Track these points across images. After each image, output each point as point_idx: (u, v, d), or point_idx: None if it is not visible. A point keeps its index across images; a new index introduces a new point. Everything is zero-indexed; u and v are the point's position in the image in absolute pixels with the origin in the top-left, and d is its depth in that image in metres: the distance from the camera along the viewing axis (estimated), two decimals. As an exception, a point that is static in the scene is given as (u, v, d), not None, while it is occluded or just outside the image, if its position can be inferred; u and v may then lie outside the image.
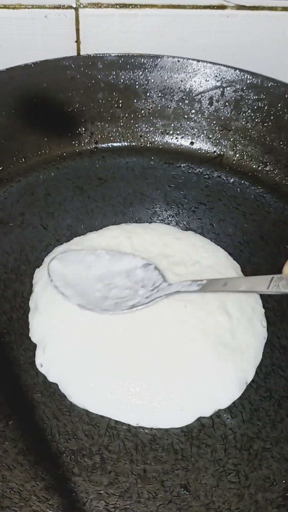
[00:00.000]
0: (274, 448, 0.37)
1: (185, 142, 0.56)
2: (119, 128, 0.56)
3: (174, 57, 0.53)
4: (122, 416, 0.37)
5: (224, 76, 0.53)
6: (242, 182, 0.54)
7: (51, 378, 0.39)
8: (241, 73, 0.53)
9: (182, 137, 0.56)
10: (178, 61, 0.54)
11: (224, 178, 0.54)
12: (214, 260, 0.45)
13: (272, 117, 0.53)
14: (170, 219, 0.50)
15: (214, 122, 0.55)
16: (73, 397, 0.38)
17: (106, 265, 0.43)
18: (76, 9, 0.52)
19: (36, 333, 0.41)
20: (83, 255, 0.44)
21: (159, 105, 0.56)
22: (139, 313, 0.40)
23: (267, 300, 0.44)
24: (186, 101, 0.55)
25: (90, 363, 0.38)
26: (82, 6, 0.52)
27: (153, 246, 0.46)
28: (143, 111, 0.56)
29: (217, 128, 0.55)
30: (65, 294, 0.41)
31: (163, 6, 0.52)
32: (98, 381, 0.38)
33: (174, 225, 0.49)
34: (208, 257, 0.46)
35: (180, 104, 0.55)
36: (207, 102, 0.55)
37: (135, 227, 0.48)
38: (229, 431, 0.37)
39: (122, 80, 0.54)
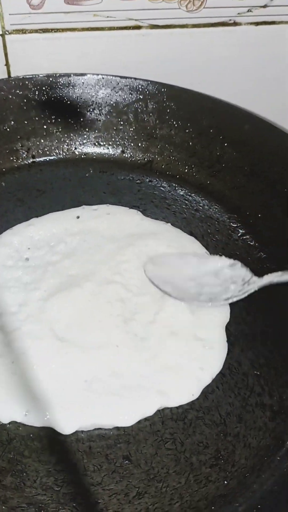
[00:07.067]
0: (206, 416, 0.41)
1: (116, 151, 0.61)
2: (54, 142, 0.60)
3: (98, 74, 0.58)
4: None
5: (146, 89, 0.58)
6: (171, 184, 0.59)
7: None
8: (161, 86, 0.58)
9: (113, 147, 0.61)
10: (103, 78, 0.58)
11: (155, 182, 0.59)
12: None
13: (192, 124, 0.59)
14: (105, 222, 0.54)
15: (141, 131, 0.60)
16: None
17: (195, 267, 0.48)
18: (2, 35, 0.56)
19: None
20: (173, 259, 0.49)
21: (89, 119, 0.60)
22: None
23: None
24: (114, 114, 0.60)
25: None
26: (8, 32, 0.56)
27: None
28: (75, 125, 0.60)
29: (144, 137, 0.60)
30: (164, 290, 0.46)
31: (83, 29, 0.57)
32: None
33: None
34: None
35: (109, 117, 0.60)
36: (133, 113, 0.60)
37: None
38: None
39: (52, 98, 0.59)
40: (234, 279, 0.47)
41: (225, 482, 0.38)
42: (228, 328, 0.46)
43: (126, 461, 0.39)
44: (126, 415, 0.40)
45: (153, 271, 0.48)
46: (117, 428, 0.40)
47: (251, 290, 0.46)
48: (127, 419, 0.40)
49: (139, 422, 0.40)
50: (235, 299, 0.46)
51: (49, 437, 0.39)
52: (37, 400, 0.40)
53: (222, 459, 0.39)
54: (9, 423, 0.39)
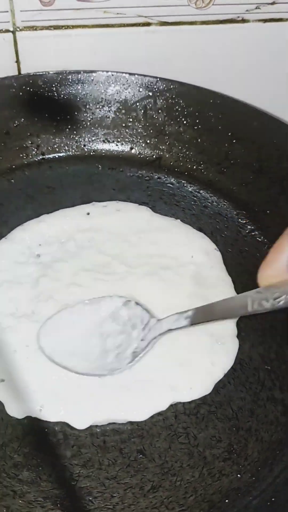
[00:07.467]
0: (219, 410, 0.42)
1: (125, 148, 0.61)
2: (64, 139, 0.60)
3: (107, 71, 0.58)
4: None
5: (155, 86, 0.59)
6: (180, 181, 0.59)
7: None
8: (170, 83, 0.58)
9: (122, 144, 0.61)
10: (112, 75, 0.59)
11: (163, 179, 0.59)
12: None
13: (201, 121, 0.59)
14: (115, 218, 0.55)
15: (150, 128, 0.60)
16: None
17: (88, 316, 0.43)
18: (13, 32, 0.57)
19: None
20: (62, 316, 0.43)
21: (99, 116, 0.60)
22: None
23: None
24: (123, 111, 0.60)
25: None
26: (19, 29, 0.57)
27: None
28: (84, 122, 0.60)
29: (153, 133, 0.60)
30: (69, 367, 0.41)
31: (93, 26, 0.57)
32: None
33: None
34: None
35: (118, 114, 0.60)
36: (142, 110, 0.60)
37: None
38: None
39: (62, 95, 0.59)
40: (133, 321, 0.43)
41: (238, 475, 0.38)
42: (238, 323, 0.47)
43: (140, 455, 0.39)
44: (139, 410, 0.41)
45: (50, 344, 0.42)
46: (131, 423, 0.40)
47: (152, 338, 0.42)
48: (141, 414, 0.40)
49: (152, 416, 0.41)
50: (141, 354, 0.41)
51: (63, 431, 0.40)
52: (52, 395, 0.40)
53: (235, 453, 0.40)
54: (24, 418, 0.40)
